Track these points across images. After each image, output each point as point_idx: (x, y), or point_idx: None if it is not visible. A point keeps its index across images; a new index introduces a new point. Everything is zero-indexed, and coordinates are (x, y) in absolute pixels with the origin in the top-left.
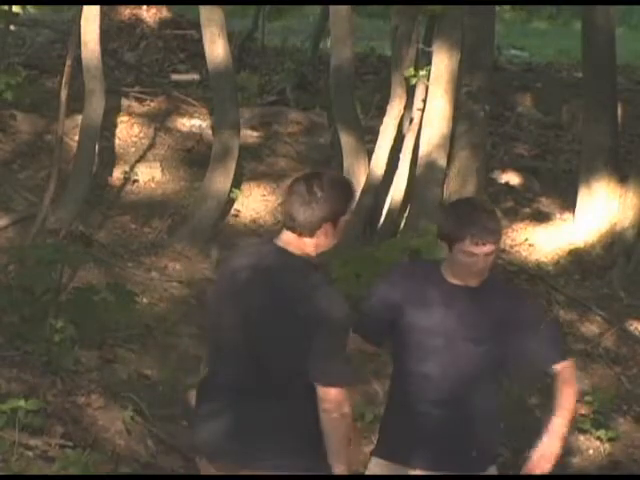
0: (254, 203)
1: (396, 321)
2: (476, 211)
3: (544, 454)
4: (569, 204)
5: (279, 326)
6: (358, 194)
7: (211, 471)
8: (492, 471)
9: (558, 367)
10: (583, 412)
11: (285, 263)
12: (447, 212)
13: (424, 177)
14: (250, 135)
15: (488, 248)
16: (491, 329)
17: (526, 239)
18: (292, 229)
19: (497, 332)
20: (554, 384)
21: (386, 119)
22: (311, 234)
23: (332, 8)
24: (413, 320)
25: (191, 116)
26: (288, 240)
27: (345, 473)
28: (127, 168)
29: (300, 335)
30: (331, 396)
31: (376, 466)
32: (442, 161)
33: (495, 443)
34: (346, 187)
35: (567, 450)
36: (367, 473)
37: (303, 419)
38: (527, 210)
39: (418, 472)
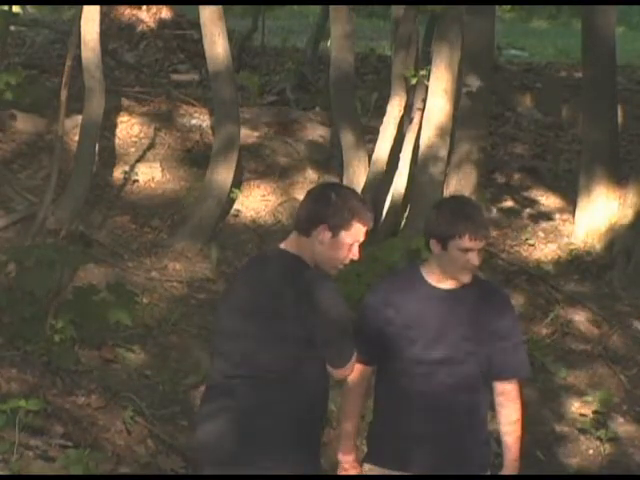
0: (254, 203)
1: (384, 334)
2: (468, 207)
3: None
4: (569, 204)
5: (264, 323)
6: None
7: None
8: None
9: (510, 383)
10: (583, 412)
11: (276, 261)
12: (439, 210)
13: (424, 177)
14: (250, 135)
15: (483, 243)
16: (476, 331)
17: (526, 239)
18: (294, 226)
19: (481, 334)
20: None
21: (386, 119)
22: (307, 232)
23: (332, 8)
24: (402, 328)
25: (191, 116)
26: (289, 241)
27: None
28: (127, 168)
29: (283, 330)
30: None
31: (372, 472)
32: (442, 161)
33: (488, 449)
34: (355, 200)
35: (567, 450)
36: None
37: (295, 418)
38: (527, 210)
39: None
